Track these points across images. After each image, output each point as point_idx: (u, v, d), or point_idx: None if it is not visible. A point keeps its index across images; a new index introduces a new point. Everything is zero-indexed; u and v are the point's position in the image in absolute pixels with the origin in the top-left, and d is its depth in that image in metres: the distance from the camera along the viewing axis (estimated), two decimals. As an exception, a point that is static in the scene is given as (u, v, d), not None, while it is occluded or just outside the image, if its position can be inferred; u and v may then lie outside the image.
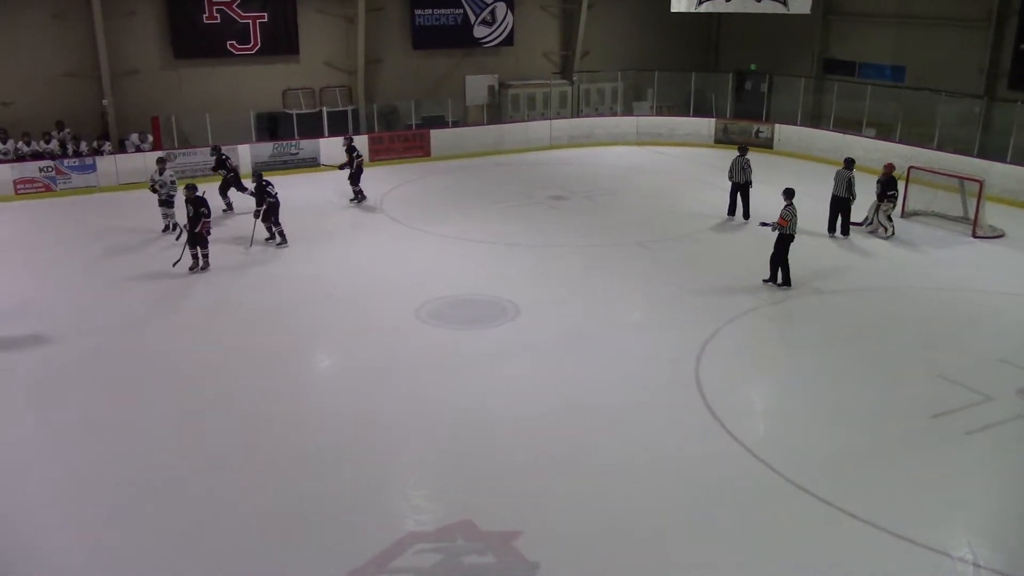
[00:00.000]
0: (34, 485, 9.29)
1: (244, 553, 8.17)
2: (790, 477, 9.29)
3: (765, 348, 12.96)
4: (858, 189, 17.91)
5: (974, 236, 18.02)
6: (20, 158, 21.58)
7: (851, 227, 18.14)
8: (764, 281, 15.06)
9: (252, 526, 8.55)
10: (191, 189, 15.62)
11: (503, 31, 29.09)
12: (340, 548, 8.10)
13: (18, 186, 21.23)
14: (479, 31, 28.75)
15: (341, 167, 21.04)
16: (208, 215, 15.59)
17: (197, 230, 15.54)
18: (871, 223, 18.23)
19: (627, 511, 8.77)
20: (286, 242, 17.48)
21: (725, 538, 8.38)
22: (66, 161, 21.82)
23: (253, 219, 17.45)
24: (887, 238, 17.88)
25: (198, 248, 15.71)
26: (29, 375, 11.87)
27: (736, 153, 19.61)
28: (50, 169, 21.59)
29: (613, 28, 30.83)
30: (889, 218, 18.05)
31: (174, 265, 15.57)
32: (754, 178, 19.13)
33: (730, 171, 19.42)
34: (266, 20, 25.31)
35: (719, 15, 30.86)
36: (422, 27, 27.89)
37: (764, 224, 15.20)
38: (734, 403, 11.10)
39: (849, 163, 18.09)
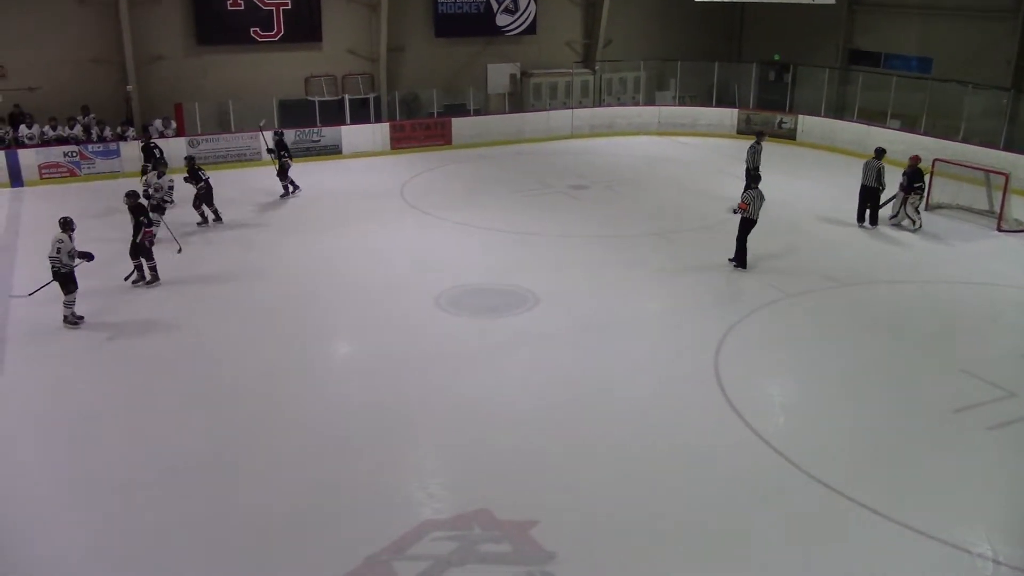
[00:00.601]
0: (41, 476, 9.40)
1: (260, 540, 8.24)
2: (808, 470, 9.25)
3: (785, 339, 12.88)
4: (886, 180, 17.81)
5: (999, 230, 17.83)
6: (45, 143, 21.78)
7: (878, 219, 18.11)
8: (729, 260, 15.51)
9: (268, 513, 8.61)
10: (131, 196, 14.67)
11: (526, 19, 29.01)
12: (357, 535, 8.15)
13: (43, 170, 21.43)
14: (502, 19, 28.68)
15: (269, 150, 20.67)
16: (149, 224, 14.60)
17: (138, 240, 14.46)
18: (896, 215, 18.08)
19: (644, 502, 8.77)
20: (221, 220, 18.10)
21: (742, 529, 8.37)
22: (90, 146, 22.00)
23: (200, 203, 17.94)
24: (915, 231, 17.74)
25: (141, 260, 14.64)
26: (38, 367, 11.98)
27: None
28: (74, 154, 21.79)
29: (636, 17, 30.69)
30: (917, 210, 17.90)
31: (127, 279, 14.66)
32: (775, 168, 19.05)
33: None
34: (289, 7, 25.36)
35: (743, 5, 30.63)
36: (445, 15, 27.87)
37: (734, 211, 15.39)
38: (753, 395, 11.06)
39: (879, 153, 18.16)
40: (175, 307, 13.86)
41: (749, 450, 9.72)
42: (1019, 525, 8.65)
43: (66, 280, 12.91)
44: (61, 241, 12.81)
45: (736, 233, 15.36)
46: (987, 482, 9.33)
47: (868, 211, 18.07)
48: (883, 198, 18.12)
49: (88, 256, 13.22)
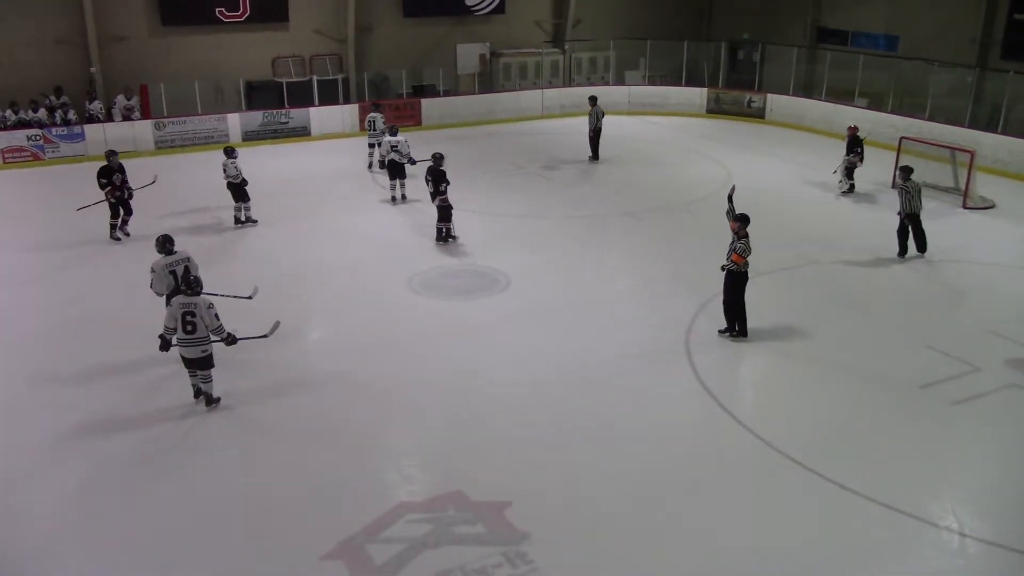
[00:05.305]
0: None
1: (232, 525, 8.21)
2: (777, 446, 9.36)
3: (754, 318, 12.95)
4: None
5: (965, 207, 18.05)
6: (7, 127, 21.39)
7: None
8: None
9: (241, 498, 8.58)
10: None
11: (495, -1, 28.86)
12: (331, 518, 8.14)
13: (6, 155, 21.08)
14: (470, -1, 28.52)
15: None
16: None
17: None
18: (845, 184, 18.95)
19: (616, 479, 8.84)
20: None
21: (713, 506, 8.46)
22: (54, 130, 21.65)
23: None
24: (844, 192, 18.70)
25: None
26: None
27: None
28: (38, 138, 21.43)
29: (606, -4, 30.61)
30: (850, 175, 18.77)
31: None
32: (743, 146, 19.18)
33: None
34: (255, -13, 25.04)
35: (712, -17, 30.68)
36: (413, -6, 27.64)
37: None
38: (723, 373, 11.18)
39: (908, 171, 15.23)
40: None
41: (720, 427, 9.82)
42: (985, 498, 8.82)
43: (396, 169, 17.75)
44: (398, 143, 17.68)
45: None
46: (954, 456, 9.51)
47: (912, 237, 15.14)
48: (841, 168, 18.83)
49: (412, 160, 17.84)
